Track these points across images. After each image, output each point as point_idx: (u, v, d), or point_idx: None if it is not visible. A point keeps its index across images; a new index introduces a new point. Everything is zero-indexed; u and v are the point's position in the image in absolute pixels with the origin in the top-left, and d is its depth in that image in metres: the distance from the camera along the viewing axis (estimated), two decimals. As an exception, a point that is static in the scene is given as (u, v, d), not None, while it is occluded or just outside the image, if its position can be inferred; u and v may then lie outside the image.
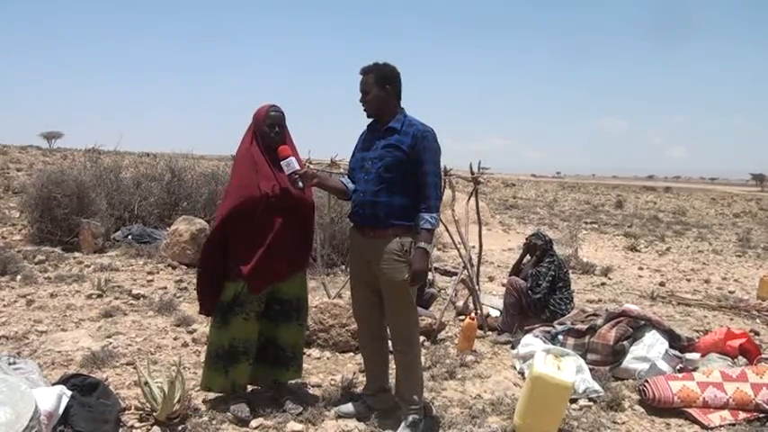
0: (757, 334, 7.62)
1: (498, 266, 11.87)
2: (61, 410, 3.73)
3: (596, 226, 22.61)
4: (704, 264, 14.20)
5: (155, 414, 4.10)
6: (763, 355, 5.79)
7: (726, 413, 4.87)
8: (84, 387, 4.08)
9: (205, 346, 5.66)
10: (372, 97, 4.12)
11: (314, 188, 4.47)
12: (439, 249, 12.90)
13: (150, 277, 8.58)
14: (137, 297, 7.39)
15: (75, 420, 3.76)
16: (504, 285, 7.33)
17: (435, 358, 5.76)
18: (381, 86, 4.10)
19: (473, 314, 6.56)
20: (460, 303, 7.59)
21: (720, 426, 4.75)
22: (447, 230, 7.71)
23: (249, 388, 4.60)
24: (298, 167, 4.08)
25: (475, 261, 7.59)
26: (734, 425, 4.75)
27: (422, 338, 6.09)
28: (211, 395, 4.57)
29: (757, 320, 8.49)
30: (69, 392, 3.88)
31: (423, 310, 6.61)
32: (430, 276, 8.19)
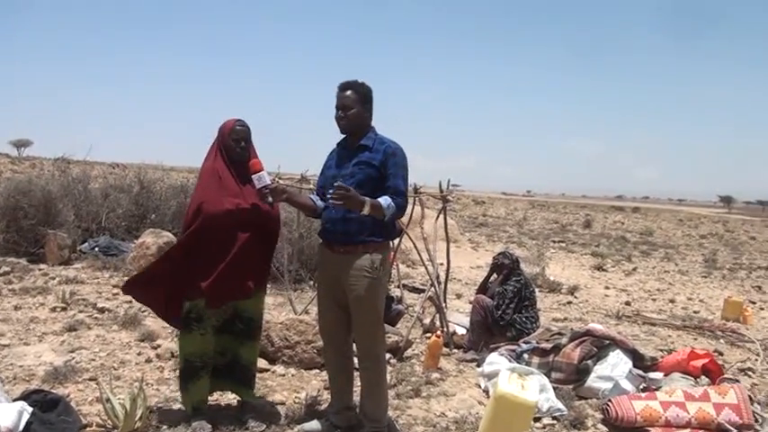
0: (721, 354, 7.73)
1: (466, 284, 11.91)
2: (21, 427, 3.69)
3: (564, 245, 22.83)
4: (670, 284, 14.41)
5: (116, 431, 4.06)
6: (725, 376, 5.88)
7: (688, 432, 4.94)
8: (45, 403, 4.03)
9: (169, 362, 5.63)
10: (355, 114, 4.13)
11: (282, 203, 4.49)
12: (408, 266, 12.93)
13: (116, 290, 8.45)
14: (101, 311, 7.31)
15: (35, 437, 3.72)
16: (471, 303, 7.36)
17: (401, 376, 5.77)
18: (363, 104, 4.15)
19: (439, 332, 6.57)
20: (427, 321, 7.61)
21: (682, 445, 4.81)
22: (415, 247, 7.73)
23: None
24: (269, 182, 4.08)
25: (443, 278, 7.61)
26: (696, 444, 4.82)
27: (388, 356, 6.09)
28: (174, 412, 4.54)
29: (721, 341, 8.62)
30: (30, 409, 3.84)
31: (389, 327, 6.62)
32: (398, 293, 8.20)
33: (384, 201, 3.98)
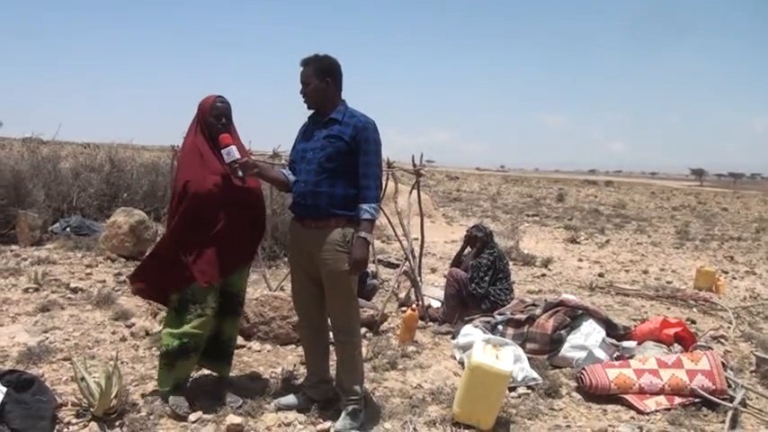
0: (693, 322, 7.85)
1: (441, 258, 11.95)
2: (-5, 407, 3.67)
3: (538, 218, 22.97)
4: (643, 255, 14.52)
5: (92, 410, 4.04)
6: (698, 343, 5.97)
7: (661, 398, 5.01)
8: (19, 383, 4.00)
9: (143, 341, 5.60)
10: (312, 89, 4.12)
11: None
12: (383, 241, 12.95)
13: (89, 270, 8.42)
14: (75, 291, 7.25)
15: (10, 418, 3.70)
16: (445, 277, 7.40)
17: (377, 349, 5.79)
18: (321, 78, 4.10)
19: (415, 305, 6.61)
20: (402, 295, 7.64)
21: (656, 411, 4.88)
22: (390, 223, 7.74)
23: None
24: (238, 156, 4.06)
25: (417, 253, 7.63)
26: (669, 410, 4.89)
27: (364, 330, 6.12)
28: (149, 390, 4.53)
29: (694, 309, 8.73)
30: (4, 389, 3.81)
31: (365, 301, 6.64)
32: (373, 268, 8.22)
33: (363, 213, 4.03)
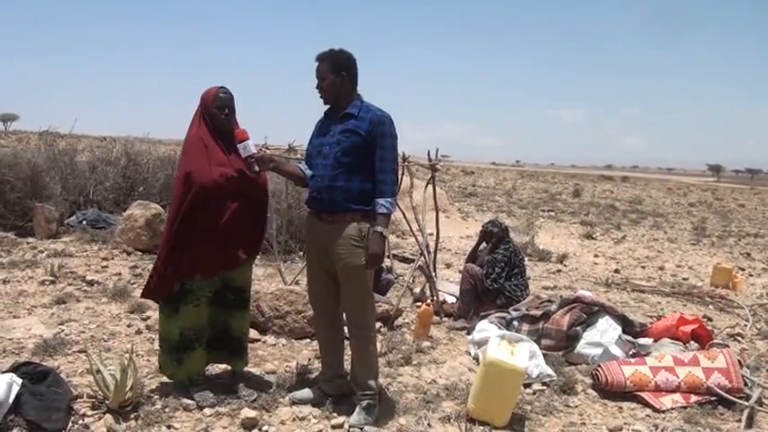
0: (710, 320, 7.79)
1: (456, 253, 11.93)
2: (12, 399, 3.68)
3: (553, 214, 22.88)
4: (659, 252, 14.45)
5: (107, 402, 4.05)
6: (714, 340, 5.92)
7: (677, 396, 4.97)
8: (35, 375, 4.02)
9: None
10: (328, 84, 4.11)
11: (271, 174, 4.46)
12: (397, 236, 12.92)
13: (105, 263, 8.46)
14: (90, 283, 7.29)
15: (25, 409, 3.72)
16: (460, 272, 7.37)
17: (392, 344, 5.79)
18: (336, 73, 4.09)
19: (429, 300, 6.59)
20: (417, 290, 7.63)
21: (672, 408, 4.84)
22: (405, 217, 7.72)
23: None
24: (254, 151, 4.05)
25: (432, 248, 7.62)
26: (685, 407, 4.84)
27: (379, 325, 6.11)
28: (165, 383, 4.54)
29: (710, 306, 8.68)
30: (20, 381, 3.83)
31: (380, 296, 6.63)
32: (388, 263, 8.21)
33: (380, 207, 4.03)
